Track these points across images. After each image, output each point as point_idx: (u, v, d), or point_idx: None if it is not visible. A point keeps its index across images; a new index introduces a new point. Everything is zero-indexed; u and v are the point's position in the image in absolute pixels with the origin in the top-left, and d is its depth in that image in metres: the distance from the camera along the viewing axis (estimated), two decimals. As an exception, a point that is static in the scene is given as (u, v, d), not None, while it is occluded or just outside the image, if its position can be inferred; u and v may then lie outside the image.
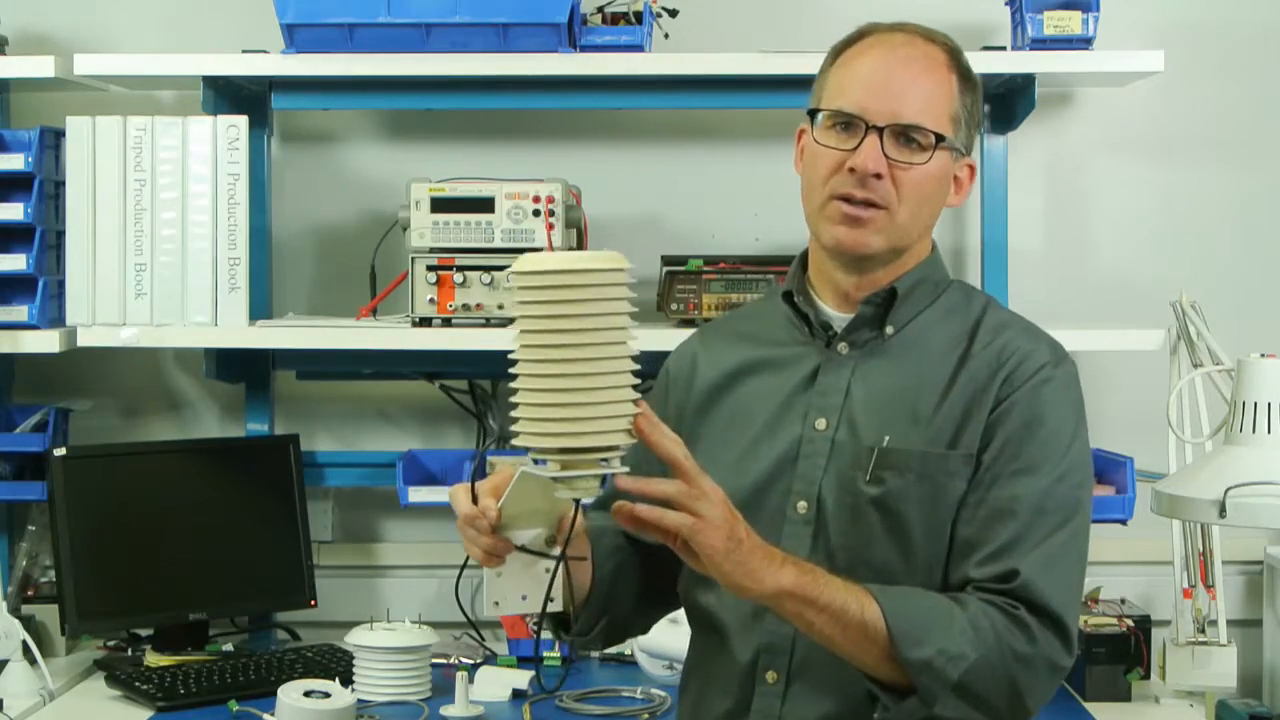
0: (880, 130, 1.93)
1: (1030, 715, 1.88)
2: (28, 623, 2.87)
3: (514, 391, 1.70)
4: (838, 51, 2.03)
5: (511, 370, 1.70)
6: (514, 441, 1.71)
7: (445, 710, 2.63)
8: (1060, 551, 1.89)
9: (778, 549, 1.81)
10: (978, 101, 2.03)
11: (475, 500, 1.79)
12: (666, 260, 2.97)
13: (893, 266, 2.00)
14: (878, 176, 1.93)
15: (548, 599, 1.85)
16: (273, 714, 2.50)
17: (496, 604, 1.84)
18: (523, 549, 1.81)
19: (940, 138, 1.95)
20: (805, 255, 2.08)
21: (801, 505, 1.94)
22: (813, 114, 2.00)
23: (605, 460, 1.69)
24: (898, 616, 1.81)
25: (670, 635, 2.41)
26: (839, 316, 2.02)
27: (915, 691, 1.81)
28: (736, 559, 1.75)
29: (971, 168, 2.04)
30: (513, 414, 1.70)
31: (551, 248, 2.83)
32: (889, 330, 2.00)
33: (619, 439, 1.69)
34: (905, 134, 1.94)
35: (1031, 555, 1.87)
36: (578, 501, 1.74)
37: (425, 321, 2.89)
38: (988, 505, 1.90)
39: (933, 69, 1.97)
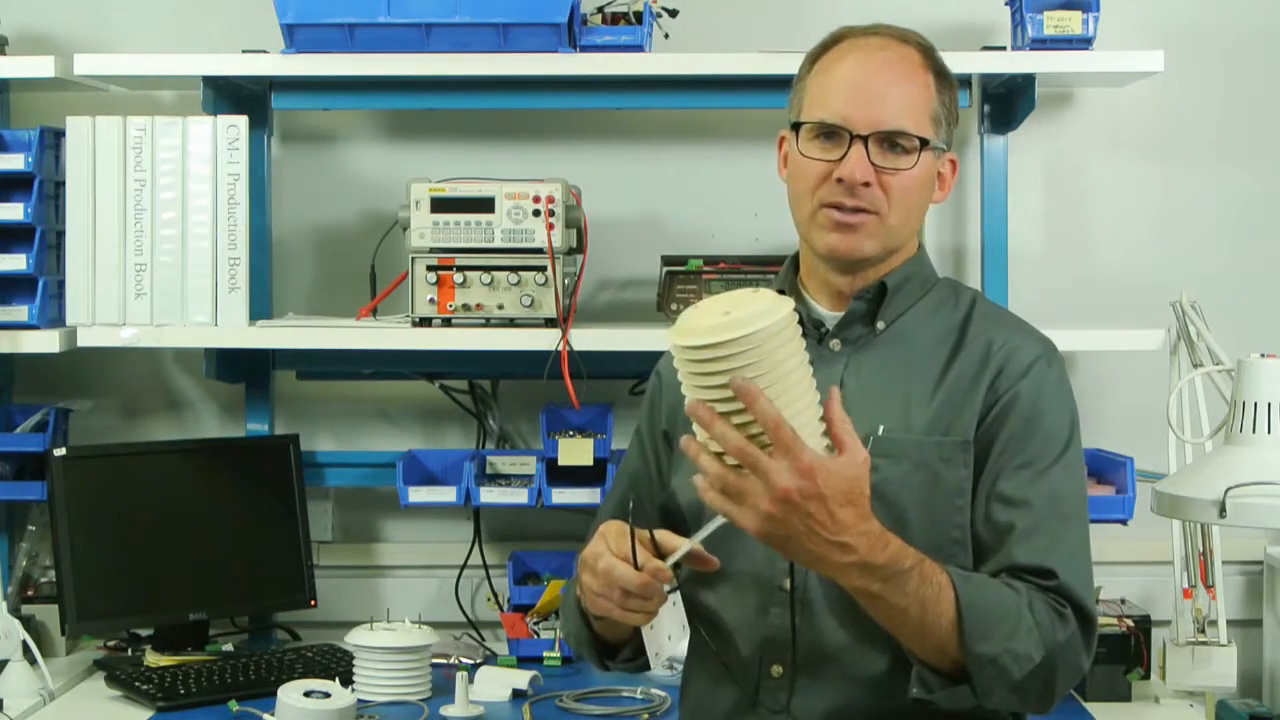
0: (865, 139, 1.94)
1: (1047, 710, 1.90)
2: (28, 623, 2.87)
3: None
4: (814, 58, 2.03)
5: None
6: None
7: (445, 710, 2.63)
8: (1081, 549, 1.94)
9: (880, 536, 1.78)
10: (955, 97, 2.04)
11: (636, 565, 1.80)
12: (666, 260, 2.97)
13: (884, 265, 2.02)
14: (866, 185, 1.94)
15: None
16: (273, 714, 2.50)
17: (657, 654, 1.89)
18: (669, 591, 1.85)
19: (924, 141, 1.96)
20: (797, 257, 2.10)
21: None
22: (795, 126, 2.00)
23: None
24: (971, 608, 1.81)
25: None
26: (830, 315, 2.04)
27: (968, 680, 1.82)
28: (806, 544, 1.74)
29: (953, 162, 2.06)
30: None
31: (551, 248, 2.82)
32: (880, 325, 2.02)
33: None
34: (890, 140, 1.95)
35: (1059, 553, 1.89)
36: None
37: (425, 321, 2.89)
38: (1000, 499, 1.92)
39: (910, 71, 1.98)
